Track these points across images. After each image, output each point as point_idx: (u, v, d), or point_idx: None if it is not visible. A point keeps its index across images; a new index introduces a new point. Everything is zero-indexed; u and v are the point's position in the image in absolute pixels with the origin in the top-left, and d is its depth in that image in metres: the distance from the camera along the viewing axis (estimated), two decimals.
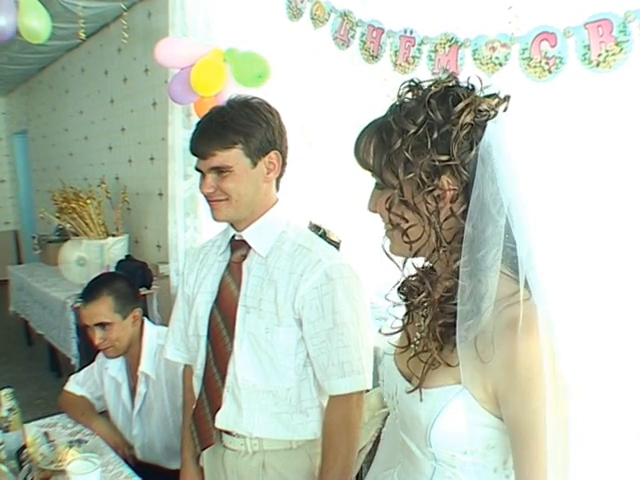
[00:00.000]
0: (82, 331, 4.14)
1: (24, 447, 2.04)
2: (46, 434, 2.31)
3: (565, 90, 1.89)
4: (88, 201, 4.76)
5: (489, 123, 1.06)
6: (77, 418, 2.50)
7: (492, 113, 1.09)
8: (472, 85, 1.12)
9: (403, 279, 1.27)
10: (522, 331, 1.01)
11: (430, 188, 1.08)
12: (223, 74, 3.16)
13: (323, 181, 2.80)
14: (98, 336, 2.42)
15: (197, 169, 1.75)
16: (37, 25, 3.50)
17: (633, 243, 1.72)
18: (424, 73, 2.22)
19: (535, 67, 1.93)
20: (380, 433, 2.17)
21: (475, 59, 2.08)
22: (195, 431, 1.87)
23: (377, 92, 2.54)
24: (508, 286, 1.07)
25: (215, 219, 1.77)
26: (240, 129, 1.68)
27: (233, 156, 1.68)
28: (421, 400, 1.14)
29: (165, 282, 4.29)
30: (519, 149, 1.06)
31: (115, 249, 4.70)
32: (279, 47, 3.06)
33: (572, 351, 1.08)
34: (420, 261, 1.23)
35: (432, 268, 1.20)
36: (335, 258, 1.73)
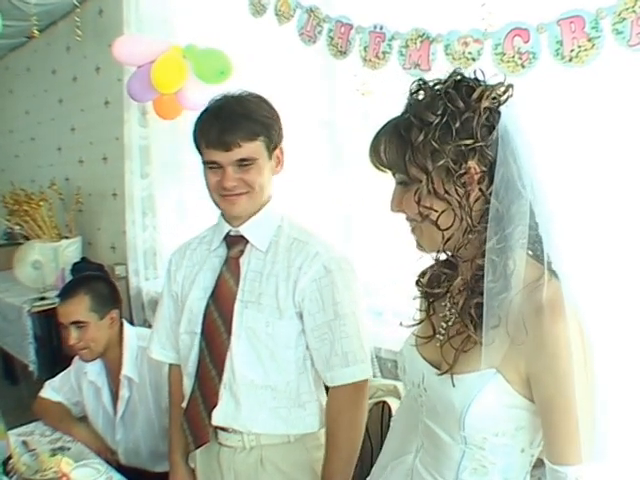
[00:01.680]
0: (39, 337, 4.04)
1: (10, 457, 1.95)
2: (25, 443, 2.23)
3: (538, 84, 1.92)
4: (41, 203, 4.63)
5: (502, 108, 1.14)
6: (55, 425, 2.42)
7: (502, 99, 1.15)
8: (477, 77, 1.18)
9: (421, 271, 1.31)
10: (550, 312, 1.05)
11: (461, 172, 1.12)
12: (184, 71, 3.13)
13: (295, 178, 2.78)
14: (73, 336, 2.35)
15: (207, 162, 1.69)
16: None
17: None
18: (395, 69, 2.23)
19: (508, 62, 1.96)
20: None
21: (447, 54, 2.09)
22: (188, 429, 1.83)
23: (347, 88, 2.54)
24: (535, 269, 1.10)
25: (231, 214, 1.75)
26: (263, 121, 1.67)
27: (257, 148, 1.67)
28: (454, 386, 1.16)
29: (121, 284, 4.21)
30: (531, 131, 1.12)
31: (69, 251, 4.58)
32: (242, 43, 3.03)
33: (600, 328, 1.10)
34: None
35: (453, 256, 1.23)
36: (332, 251, 1.74)
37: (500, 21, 1.96)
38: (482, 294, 1.12)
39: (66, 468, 1.66)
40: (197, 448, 1.82)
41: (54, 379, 2.63)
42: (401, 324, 1.36)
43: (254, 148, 1.66)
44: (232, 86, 1.81)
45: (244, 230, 1.77)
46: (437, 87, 1.17)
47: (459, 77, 1.17)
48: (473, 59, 2.03)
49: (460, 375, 1.16)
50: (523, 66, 1.94)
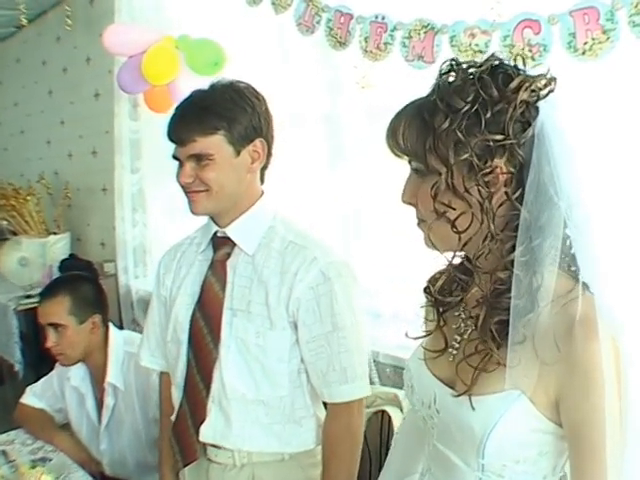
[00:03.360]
0: (26, 335, 3.94)
1: None
2: (4, 453, 2.11)
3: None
4: (28, 198, 4.53)
5: (540, 103, 1.00)
6: (37, 433, 2.31)
7: (542, 94, 1.02)
8: (517, 65, 1.05)
9: (432, 276, 1.19)
10: (584, 329, 0.94)
11: (485, 171, 0.99)
12: (176, 62, 3.03)
13: (293, 175, 2.68)
14: (51, 339, 2.22)
15: (174, 157, 1.60)
16: None
17: None
18: (397, 61, 2.13)
19: (518, 54, 1.86)
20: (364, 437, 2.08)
21: (453, 46, 1.98)
22: (176, 445, 1.71)
23: (346, 81, 2.45)
24: (565, 281, 0.99)
25: (193, 212, 1.62)
26: (223, 114, 1.54)
27: (215, 143, 1.53)
28: (473, 409, 1.03)
29: (110, 281, 4.12)
30: (571, 131, 0.99)
31: (57, 248, 4.48)
32: (237, 33, 2.93)
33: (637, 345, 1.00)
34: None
35: (469, 260, 1.11)
36: (331, 255, 1.61)
37: (509, 11, 1.86)
38: (505, 310, 1.00)
39: None
40: (185, 466, 1.71)
41: (36, 384, 2.50)
42: (407, 335, 1.24)
43: (210, 143, 1.53)
44: (225, 78, 1.71)
45: (230, 231, 1.64)
46: (470, 70, 1.03)
47: (497, 62, 1.03)
48: (480, 51, 1.92)
49: (480, 397, 1.03)
50: (533, 59, 1.84)
